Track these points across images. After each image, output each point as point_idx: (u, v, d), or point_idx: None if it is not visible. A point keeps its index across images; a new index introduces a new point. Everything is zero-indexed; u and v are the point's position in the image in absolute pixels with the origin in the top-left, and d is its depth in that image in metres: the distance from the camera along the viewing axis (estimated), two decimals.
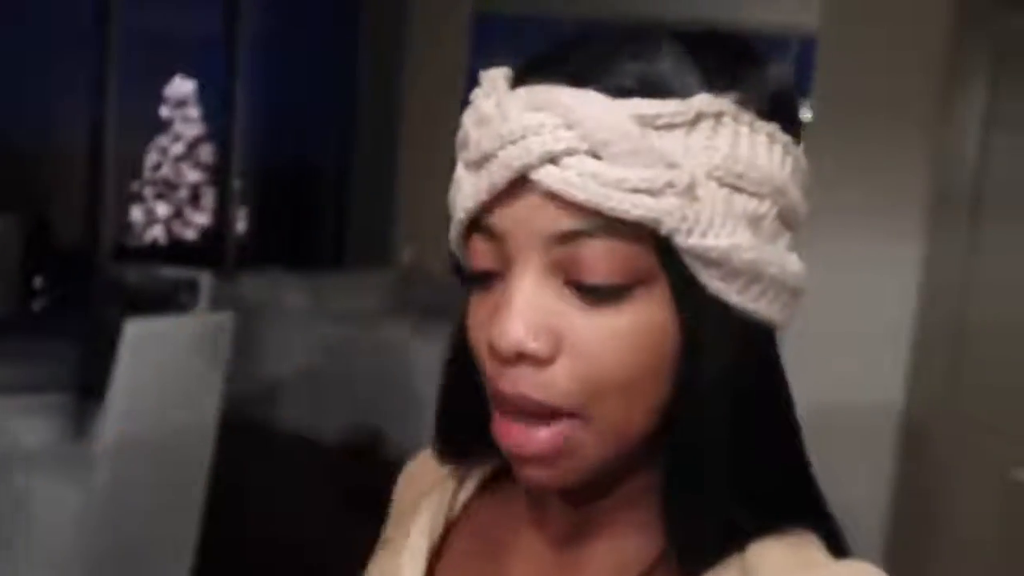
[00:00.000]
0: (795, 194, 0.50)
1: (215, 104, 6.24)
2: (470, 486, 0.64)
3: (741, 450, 0.49)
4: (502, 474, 0.63)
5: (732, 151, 0.47)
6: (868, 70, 2.19)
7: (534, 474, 0.50)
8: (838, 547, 0.52)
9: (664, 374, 0.49)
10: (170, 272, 3.48)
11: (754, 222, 0.48)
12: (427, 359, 4.56)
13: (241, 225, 6.94)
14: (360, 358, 4.70)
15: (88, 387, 2.74)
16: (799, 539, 0.50)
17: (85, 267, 4.74)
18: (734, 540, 0.49)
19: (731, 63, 0.49)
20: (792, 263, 0.51)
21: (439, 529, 0.62)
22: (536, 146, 0.45)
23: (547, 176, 0.46)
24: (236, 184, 6.08)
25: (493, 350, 0.48)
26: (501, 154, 0.47)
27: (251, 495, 3.76)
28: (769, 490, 0.50)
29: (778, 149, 0.49)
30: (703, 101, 0.46)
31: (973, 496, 2.14)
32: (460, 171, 0.51)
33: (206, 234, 7.92)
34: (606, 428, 0.48)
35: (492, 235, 0.49)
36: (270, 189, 7.18)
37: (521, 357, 0.47)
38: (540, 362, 0.47)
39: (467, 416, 0.58)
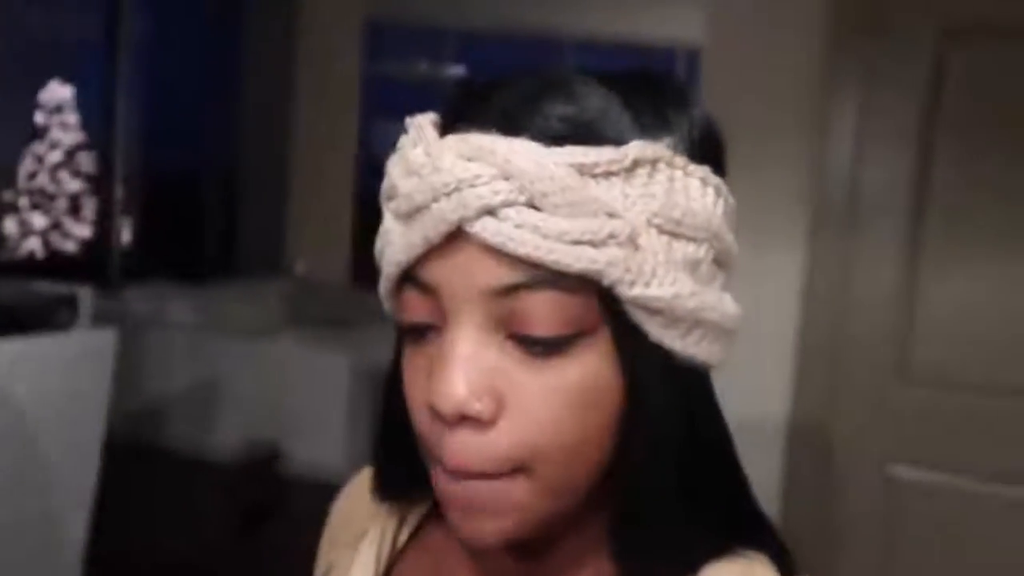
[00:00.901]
0: (728, 236, 0.50)
1: (95, 110, 5.96)
2: (414, 519, 0.63)
3: (688, 490, 0.49)
4: None
5: (669, 197, 0.46)
6: (749, 85, 2.27)
7: (475, 529, 0.48)
8: (787, 568, 0.53)
9: (609, 429, 0.48)
10: (47, 288, 3.31)
11: (693, 267, 0.48)
12: (322, 371, 4.49)
13: (125, 236, 6.68)
14: (252, 372, 4.58)
15: None
16: (750, 561, 0.51)
17: None
18: (687, 560, 0.50)
19: (660, 106, 0.49)
20: (728, 305, 0.51)
21: (385, 560, 0.61)
22: (472, 199, 0.44)
23: (485, 229, 0.44)
24: (119, 193, 5.84)
25: (434, 411, 0.47)
26: (435, 207, 0.45)
27: (141, 518, 3.61)
28: (718, 522, 0.51)
29: (711, 192, 0.49)
30: (638, 148, 0.45)
31: (856, 492, 2.24)
32: (389, 222, 0.49)
33: (88, 246, 7.58)
34: (549, 487, 0.47)
35: (426, 289, 0.47)
36: (155, 198, 6.93)
37: (463, 419, 0.46)
38: (482, 424, 0.46)
39: (405, 459, 0.57)
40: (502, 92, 0.47)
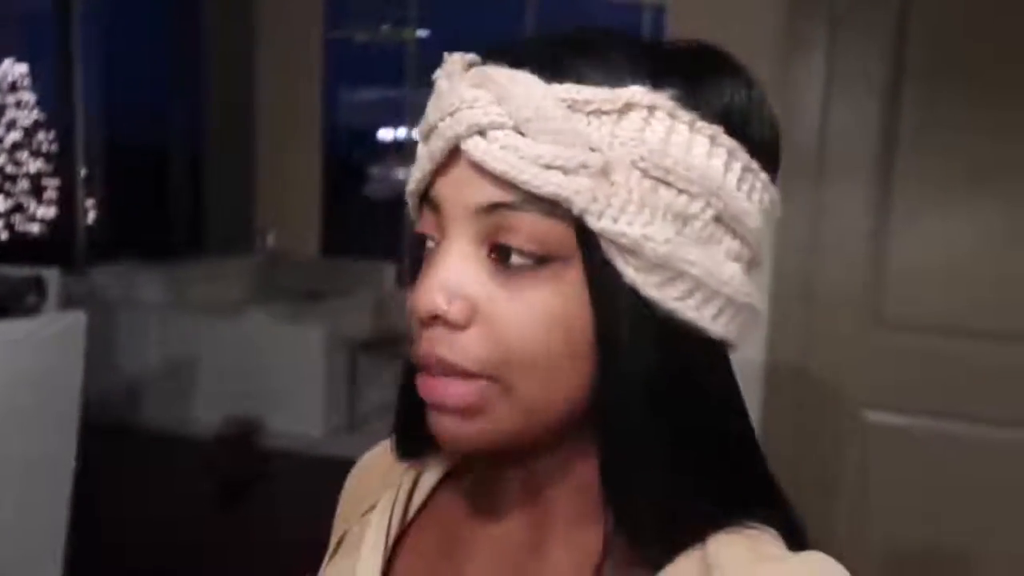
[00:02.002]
0: (740, 202, 0.50)
1: (51, 87, 5.83)
2: (427, 483, 0.64)
3: (674, 444, 0.49)
4: (460, 470, 0.63)
5: (663, 145, 0.47)
6: (715, 39, 2.26)
7: (449, 426, 0.50)
8: (798, 543, 0.53)
9: (582, 360, 0.49)
10: (12, 272, 3.26)
11: (681, 219, 0.48)
12: (297, 343, 4.47)
13: (91, 216, 6.57)
14: (227, 347, 4.55)
15: None
16: (759, 533, 0.51)
17: None
18: (689, 530, 0.50)
19: (684, 67, 0.50)
20: (729, 272, 0.50)
21: (397, 526, 0.62)
22: (466, 118, 0.47)
23: (474, 147, 0.47)
24: (81, 172, 5.73)
25: (414, 315, 0.50)
26: (440, 125, 0.49)
27: (124, 497, 3.60)
28: (722, 491, 0.51)
29: (721, 152, 0.49)
30: (635, 92, 0.47)
31: (832, 437, 2.27)
32: (420, 146, 0.53)
33: (52, 227, 7.46)
34: (522, 402, 0.49)
35: (434, 205, 0.51)
36: (119, 176, 6.82)
37: (436, 320, 0.49)
38: (453, 327, 0.49)
39: (423, 412, 0.58)
40: (532, 40, 0.51)
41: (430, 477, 0.64)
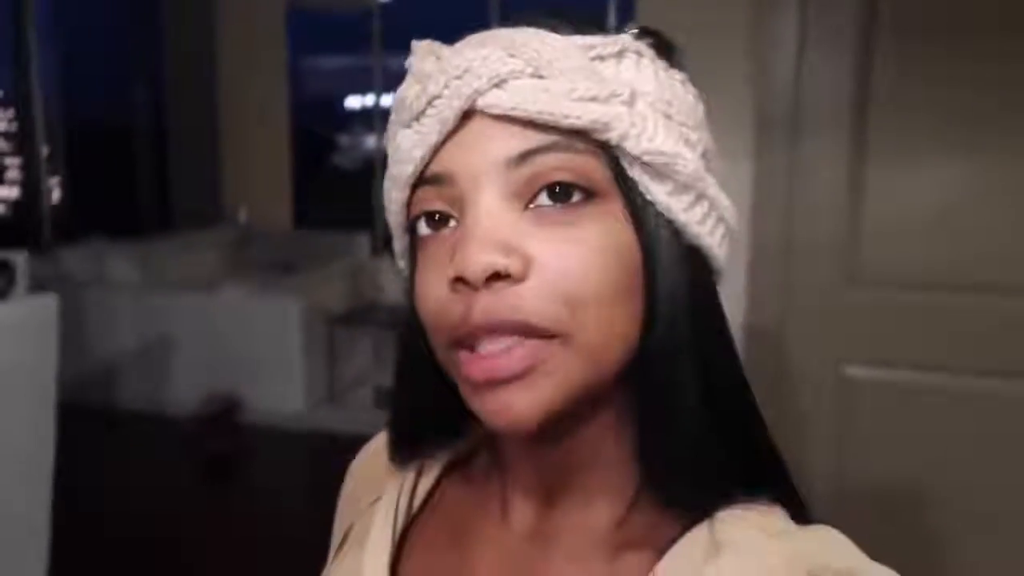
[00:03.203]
0: (712, 141, 0.54)
1: (6, 64, 5.69)
2: (432, 475, 0.63)
3: (707, 386, 0.50)
4: (465, 461, 0.63)
5: (657, 83, 0.50)
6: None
7: (512, 399, 0.47)
8: (804, 518, 0.54)
9: (633, 293, 0.49)
10: None
11: (689, 145, 0.50)
12: (272, 317, 4.45)
13: (55, 196, 6.45)
14: (201, 324, 4.51)
15: None
16: (767, 509, 0.52)
17: None
18: (707, 495, 0.50)
19: (651, 34, 0.53)
20: (725, 198, 0.53)
21: (403, 518, 0.61)
22: (483, 71, 0.47)
23: (497, 99, 0.47)
24: (43, 152, 5.62)
25: (459, 283, 0.47)
26: (447, 91, 0.48)
27: (106, 479, 3.58)
28: (735, 440, 0.52)
29: (691, 94, 0.53)
30: (626, 38, 0.50)
31: (810, 391, 2.30)
32: (397, 137, 0.52)
33: (16, 208, 7.32)
34: (584, 347, 0.47)
35: (441, 181, 0.49)
36: (82, 154, 6.69)
37: (492, 280, 0.46)
38: (513, 281, 0.46)
39: (421, 410, 0.58)
40: (505, 22, 0.52)
41: (435, 468, 0.63)
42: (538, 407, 0.47)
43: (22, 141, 5.78)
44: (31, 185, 5.63)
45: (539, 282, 0.47)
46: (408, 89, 0.51)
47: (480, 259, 0.46)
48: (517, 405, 0.47)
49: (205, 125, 5.64)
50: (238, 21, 5.58)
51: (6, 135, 8.59)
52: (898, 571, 0.48)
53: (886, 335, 2.19)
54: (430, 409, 0.57)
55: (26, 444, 2.53)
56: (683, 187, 0.50)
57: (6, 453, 2.46)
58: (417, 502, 0.62)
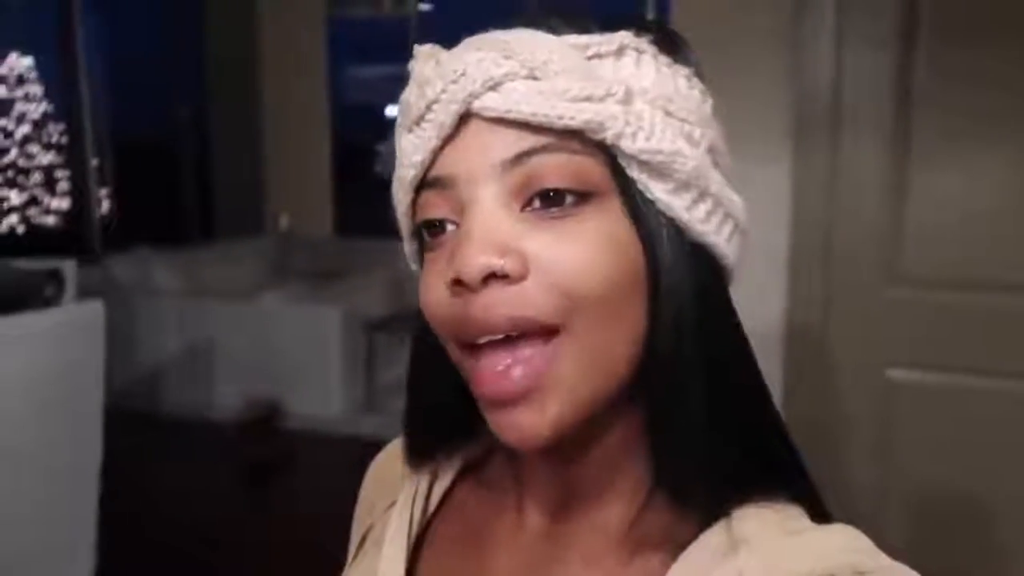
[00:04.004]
0: (719, 137, 0.53)
1: (56, 79, 5.83)
2: (447, 477, 0.63)
3: (717, 385, 0.49)
4: (479, 463, 0.63)
5: (658, 80, 0.50)
6: None
7: (520, 419, 0.47)
8: (821, 515, 0.53)
9: (636, 294, 0.48)
10: (29, 265, 3.28)
11: (691, 143, 0.50)
12: (313, 324, 4.49)
13: (104, 206, 6.60)
14: (243, 331, 4.57)
15: None
16: (784, 507, 0.51)
17: None
18: (722, 496, 0.50)
19: (650, 26, 0.52)
20: (732, 193, 0.53)
21: (419, 521, 0.61)
22: (478, 75, 0.47)
23: (491, 102, 0.47)
24: (92, 162, 5.74)
25: (457, 285, 0.47)
26: (444, 95, 0.48)
27: (150, 484, 3.64)
28: (750, 439, 0.51)
29: (696, 89, 0.52)
30: (625, 36, 0.50)
31: (854, 395, 2.26)
32: (401, 141, 0.52)
33: (67, 218, 7.49)
34: (588, 350, 0.47)
35: (442, 184, 0.50)
36: (130, 166, 6.84)
37: (489, 280, 0.47)
38: (510, 281, 0.47)
39: (435, 412, 0.58)
40: (505, 22, 0.52)
41: (450, 470, 0.63)
42: (547, 425, 0.47)
43: (72, 154, 5.93)
44: (81, 196, 5.76)
45: (538, 280, 0.47)
46: (410, 93, 0.51)
47: (477, 261, 0.46)
48: (524, 425, 0.48)
49: (247, 135, 5.72)
50: (279, 31, 5.65)
51: (58, 148, 8.80)
52: None
53: (931, 337, 2.15)
54: (444, 411, 0.57)
55: (74, 446, 2.58)
56: (684, 185, 0.49)
57: (55, 455, 2.51)
58: (433, 504, 0.62)
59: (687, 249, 0.50)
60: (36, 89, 8.78)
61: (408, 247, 0.57)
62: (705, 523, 0.50)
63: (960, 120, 2.05)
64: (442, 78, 0.48)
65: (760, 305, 2.30)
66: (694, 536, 0.50)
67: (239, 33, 5.65)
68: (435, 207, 0.50)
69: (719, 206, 0.51)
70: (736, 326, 0.53)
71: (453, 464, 0.63)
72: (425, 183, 0.51)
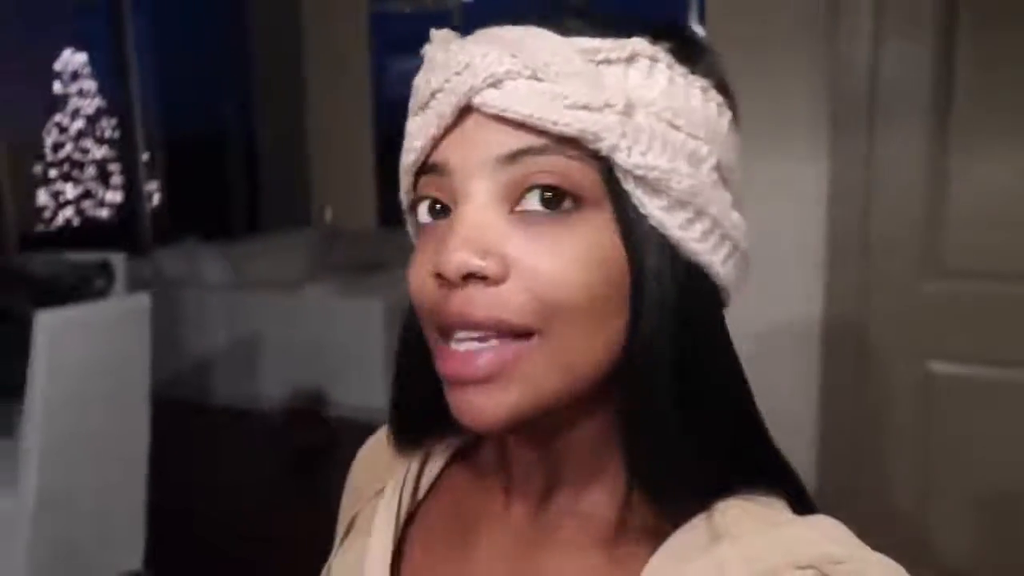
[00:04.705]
0: (732, 154, 0.52)
1: (108, 75, 5.96)
2: (437, 462, 0.63)
3: (692, 395, 0.49)
4: (470, 449, 0.63)
5: (668, 92, 0.49)
6: None
7: (477, 401, 0.48)
8: (804, 508, 0.53)
9: (618, 305, 0.48)
10: (80, 257, 3.37)
11: (694, 160, 0.49)
12: (357, 316, 4.54)
13: (154, 199, 6.73)
14: (289, 323, 4.64)
15: (8, 386, 2.66)
16: (766, 499, 0.52)
17: None
18: (703, 490, 0.50)
19: (671, 32, 0.51)
20: (735, 217, 0.52)
21: (407, 507, 0.61)
22: (480, 71, 0.47)
23: (490, 98, 0.47)
24: (143, 158, 5.87)
25: (439, 278, 0.48)
26: (447, 86, 0.48)
27: (197, 472, 3.72)
28: (731, 460, 0.51)
29: (713, 103, 0.51)
30: (638, 42, 0.48)
31: (894, 388, 2.23)
32: (408, 123, 0.52)
33: (119, 211, 7.66)
34: (562, 353, 0.47)
35: (440, 171, 0.50)
36: (179, 160, 6.96)
37: (468, 279, 0.47)
38: (489, 282, 0.47)
39: (423, 397, 0.58)
40: (523, 14, 0.51)
41: (440, 455, 0.63)
42: (502, 410, 0.48)
43: (124, 148, 6.06)
44: (132, 190, 5.89)
45: (515, 285, 0.47)
46: (420, 77, 0.52)
47: (458, 259, 0.46)
48: (481, 406, 0.48)
49: (292, 130, 5.79)
50: (323, 27, 5.71)
51: (110, 142, 9.00)
52: None
53: (972, 330, 2.11)
54: (432, 395, 0.57)
55: (123, 434, 2.65)
56: (679, 203, 0.49)
57: (104, 443, 2.58)
58: (423, 489, 0.63)
59: (679, 267, 0.49)
60: (90, 85, 8.98)
61: (410, 228, 0.58)
62: (685, 516, 0.50)
63: (1001, 108, 2.01)
64: (447, 68, 0.49)
65: (797, 299, 2.28)
66: (675, 528, 0.50)
67: (284, 30, 5.72)
68: (431, 192, 0.51)
69: (717, 227, 0.50)
70: (722, 342, 0.52)
71: (444, 449, 0.63)
72: (424, 168, 0.51)
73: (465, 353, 0.48)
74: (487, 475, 0.60)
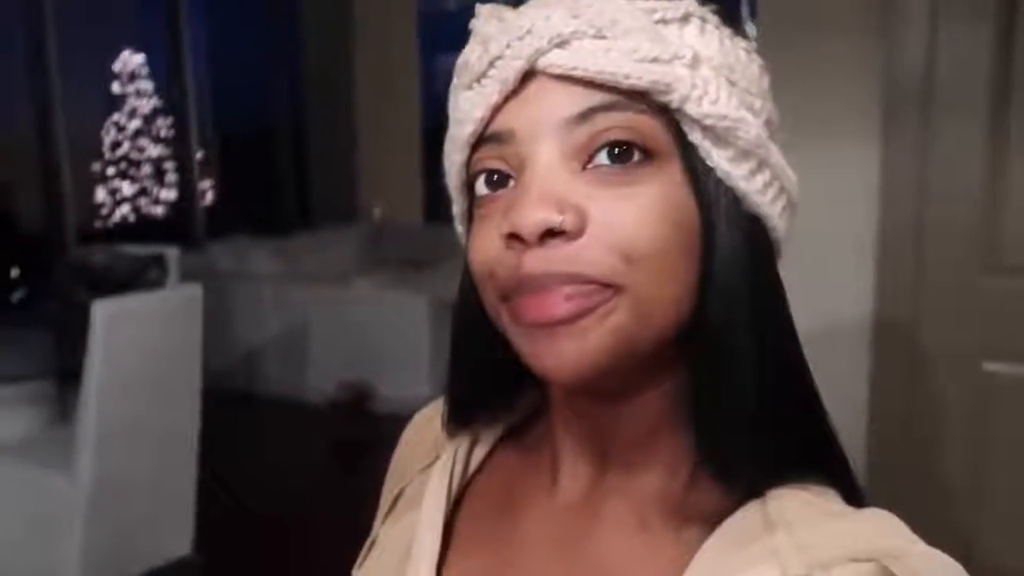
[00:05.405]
0: (775, 112, 0.53)
1: (163, 75, 6.09)
2: (487, 442, 0.63)
3: (765, 357, 0.49)
4: (519, 429, 0.63)
5: (722, 49, 0.50)
6: None
7: (559, 344, 0.47)
8: (857, 501, 0.52)
9: (691, 256, 0.48)
10: (136, 250, 3.45)
11: (753, 112, 0.50)
12: (403, 311, 4.58)
13: (210, 196, 6.87)
14: (336, 317, 4.70)
15: (67, 372, 2.74)
16: (819, 489, 0.51)
17: (55, 254, 4.70)
18: (766, 471, 0.49)
19: (716, 2, 0.52)
20: (790, 170, 0.53)
21: (457, 483, 0.61)
22: (545, 32, 0.47)
23: (558, 59, 0.47)
24: (198, 155, 5.99)
25: (513, 239, 0.47)
26: (508, 51, 0.48)
27: (244, 460, 3.78)
28: (792, 440, 0.50)
29: (755, 64, 0.52)
30: (691, 3, 0.50)
31: (948, 391, 2.18)
32: (458, 99, 0.52)
33: (174, 208, 7.82)
34: (639, 304, 0.47)
35: (500, 139, 0.50)
36: (232, 158, 7.09)
37: (547, 237, 0.46)
38: (568, 237, 0.46)
39: (479, 373, 0.58)
40: None
41: (490, 435, 0.63)
42: (585, 356, 0.47)
43: (178, 146, 6.19)
44: (186, 188, 6.02)
45: (593, 238, 0.46)
46: (471, 52, 0.52)
47: (535, 215, 0.46)
48: (564, 351, 0.47)
49: (342, 126, 5.86)
50: (372, 26, 5.76)
51: (166, 141, 9.19)
52: None
53: None
54: (486, 376, 0.57)
55: (174, 422, 2.71)
56: (744, 153, 0.49)
57: (156, 430, 2.64)
58: (472, 469, 0.62)
59: (743, 218, 0.50)
60: (147, 85, 9.18)
61: (456, 207, 0.57)
62: (741, 501, 0.49)
63: None
64: (507, 34, 0.49)
65: (848, 294, 2.24)
66: (728, 513, 0.49)
67: (334, 29, 5.79)
68: (493, 161, 0.50)
69: (776, 179, 0.51)
70: (784, 300, 0.53)
71: (494, 430, 0.63)
72: (483, 139, 0.50)
73: (546, 296, 0.47)
74: (536, 454, 0.60)
